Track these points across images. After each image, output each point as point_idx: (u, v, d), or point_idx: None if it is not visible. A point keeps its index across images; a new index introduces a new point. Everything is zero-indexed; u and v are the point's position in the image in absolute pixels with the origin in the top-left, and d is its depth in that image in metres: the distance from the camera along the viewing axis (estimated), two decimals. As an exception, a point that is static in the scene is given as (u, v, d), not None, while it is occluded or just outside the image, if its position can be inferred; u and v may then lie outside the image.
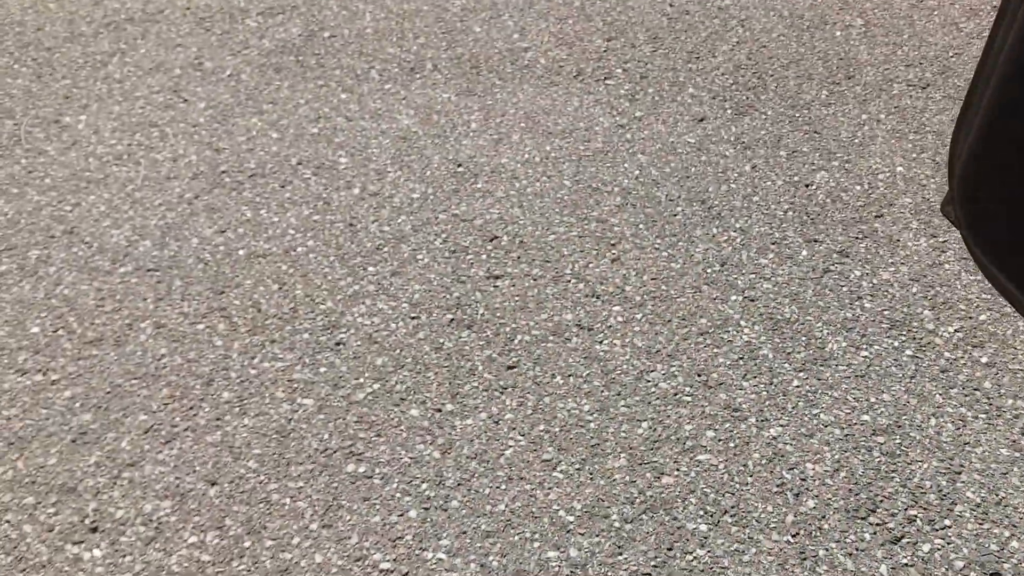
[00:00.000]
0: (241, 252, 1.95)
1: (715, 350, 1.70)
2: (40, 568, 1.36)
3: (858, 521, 1.40)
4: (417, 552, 1.37)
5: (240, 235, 2.00)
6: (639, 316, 1.77)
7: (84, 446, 1.54)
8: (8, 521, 1.43)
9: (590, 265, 1.90)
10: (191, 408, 1.61)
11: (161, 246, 1.97)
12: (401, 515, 1.42)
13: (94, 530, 1.41)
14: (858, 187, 2.11)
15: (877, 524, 1.40)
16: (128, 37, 2.76)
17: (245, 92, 2.48)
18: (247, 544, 1.38)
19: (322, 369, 1.67)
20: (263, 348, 1.72)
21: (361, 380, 1.65)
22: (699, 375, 1.64)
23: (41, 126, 2.38)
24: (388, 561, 1.36)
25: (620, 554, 1.36)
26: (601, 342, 1.72)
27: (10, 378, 1.67)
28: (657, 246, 1.95)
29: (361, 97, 2.46)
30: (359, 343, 1.73)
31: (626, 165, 2.19)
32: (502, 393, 1.62)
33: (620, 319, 1.77)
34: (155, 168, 2.21)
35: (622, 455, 1.50)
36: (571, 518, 1.41)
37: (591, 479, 1.47)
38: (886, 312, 1.77)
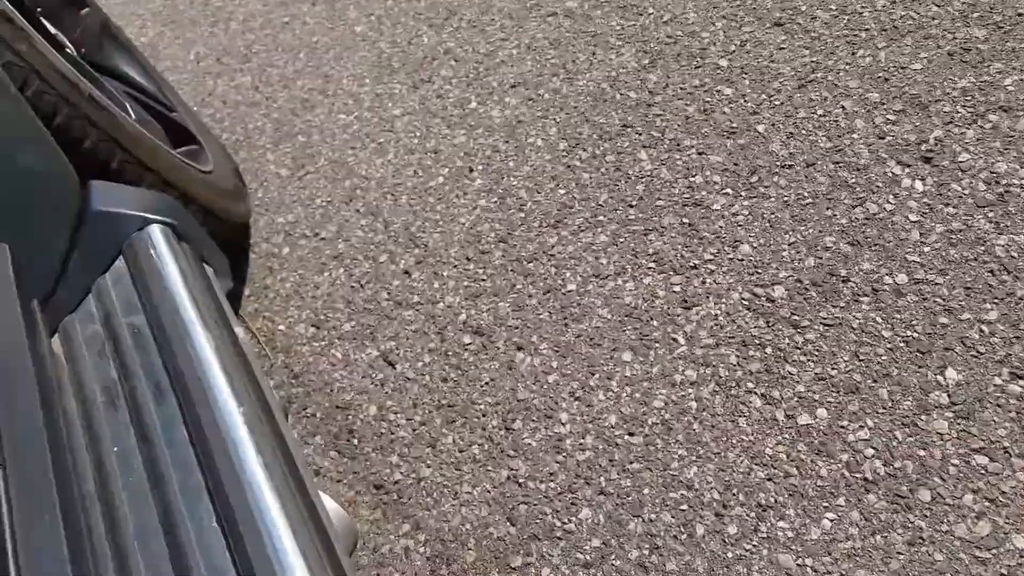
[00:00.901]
0: None
1: None
2: (858, 170, 1.18)
3: None
4: None
5: None
6: None
7: (962, 65, 1.23)
8: (843, 107, 1.26)
9: None
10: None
11: None
12: None
13: (927, 160, 1.15)
14: None
15: None
16: None
17: None
18: None
19: None
20: None
21: None
22: None
23: None
24: None
25: None
26: None
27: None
28: None
29: None
30: None
31: None
32: None
33: None
34: None
35: None
36: None
37: None
38: None
